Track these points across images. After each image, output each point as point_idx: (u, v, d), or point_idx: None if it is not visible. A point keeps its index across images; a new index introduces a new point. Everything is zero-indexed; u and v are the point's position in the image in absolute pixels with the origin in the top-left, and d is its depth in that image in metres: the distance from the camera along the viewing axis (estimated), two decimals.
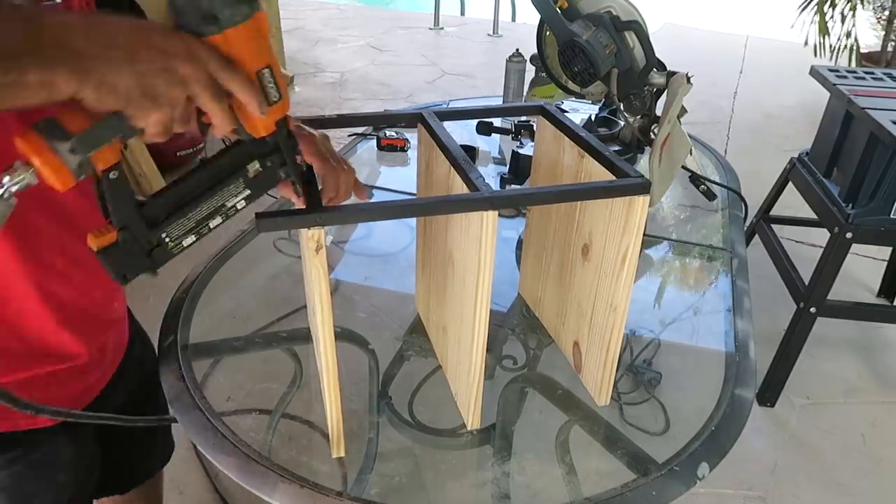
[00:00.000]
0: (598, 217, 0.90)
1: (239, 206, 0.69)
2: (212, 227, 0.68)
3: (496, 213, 0.75)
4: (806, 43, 4.62)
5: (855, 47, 4.45)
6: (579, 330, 1.01)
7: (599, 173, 0.88)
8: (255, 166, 0.68)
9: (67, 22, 0.51)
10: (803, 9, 4.62)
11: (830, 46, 4.51)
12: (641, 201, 0.81)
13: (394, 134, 1.83)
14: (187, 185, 0.66)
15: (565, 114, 1.00)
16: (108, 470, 1.06)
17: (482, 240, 0.76)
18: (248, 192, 0.69)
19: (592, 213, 0.91)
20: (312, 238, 0.72)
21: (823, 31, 4.50)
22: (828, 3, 4.43)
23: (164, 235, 0.64)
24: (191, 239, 0.67)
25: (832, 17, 4.45)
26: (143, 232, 0.63)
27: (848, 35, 4.44)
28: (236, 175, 0.67)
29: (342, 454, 0.90)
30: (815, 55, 4.53)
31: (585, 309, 0.98)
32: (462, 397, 0.95)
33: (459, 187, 0.81)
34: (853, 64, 4.44)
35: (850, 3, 4.38)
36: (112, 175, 0.58)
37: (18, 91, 0.49)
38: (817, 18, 4.51)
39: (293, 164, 0.70)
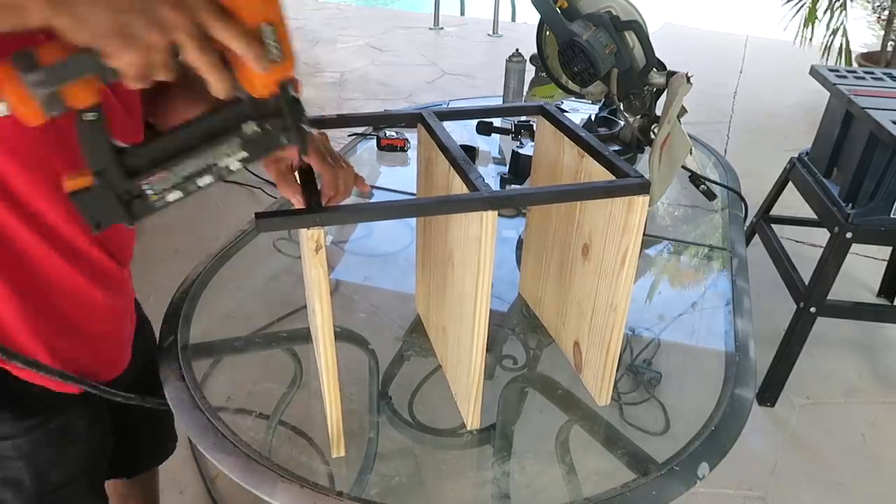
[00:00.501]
0: (598, 217, 0.90)
1: (233, 167, 0.65)
2: (200, 185, 0.65)
3: (496, 213, 0.75)
4: (794, 41, 4.59)
5: (844, 45, 4.40)
6: (579, 330, 1.01)
7: (599, 173, 0.88)
8: (251, 127, 0.63)
9: None
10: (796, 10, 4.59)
11: (826, 45, 4.47)
12: (641, 201, 0.81)
13: (394, 134, 1.83)
14: (175, 139, 0.63)
15: (565, 114, 1.00)
16: (116, 452, 1.07)
17: (482, 240, 0.76)
18: (244, 153, 0.65)
19: (592, 212, 0.92)
20: (312, 238, 0.72)
21: (812, 19, 4.44)
22: None
23: (145, 187, 0.62)
24: (176, 195, 0.64)
25: (827, 10, 4.40)
26: (121, 179, 0.61)
27: (834, 33, 4.39)
28: (230, 134, 0.63)
29: (342, 454, 0.90)
30: (794, 43, 4.49)
31: (585, 309, 0.98)
32: (462, 397, 0.95)
33: (459, 187, 0.82)
34: (843, 63, 4.41)
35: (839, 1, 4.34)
36: (87, 116, 0.56)
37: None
38: (806, 10, 4.46)
39: (297, 130, 0.64)
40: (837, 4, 4.34)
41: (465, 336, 0.86)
